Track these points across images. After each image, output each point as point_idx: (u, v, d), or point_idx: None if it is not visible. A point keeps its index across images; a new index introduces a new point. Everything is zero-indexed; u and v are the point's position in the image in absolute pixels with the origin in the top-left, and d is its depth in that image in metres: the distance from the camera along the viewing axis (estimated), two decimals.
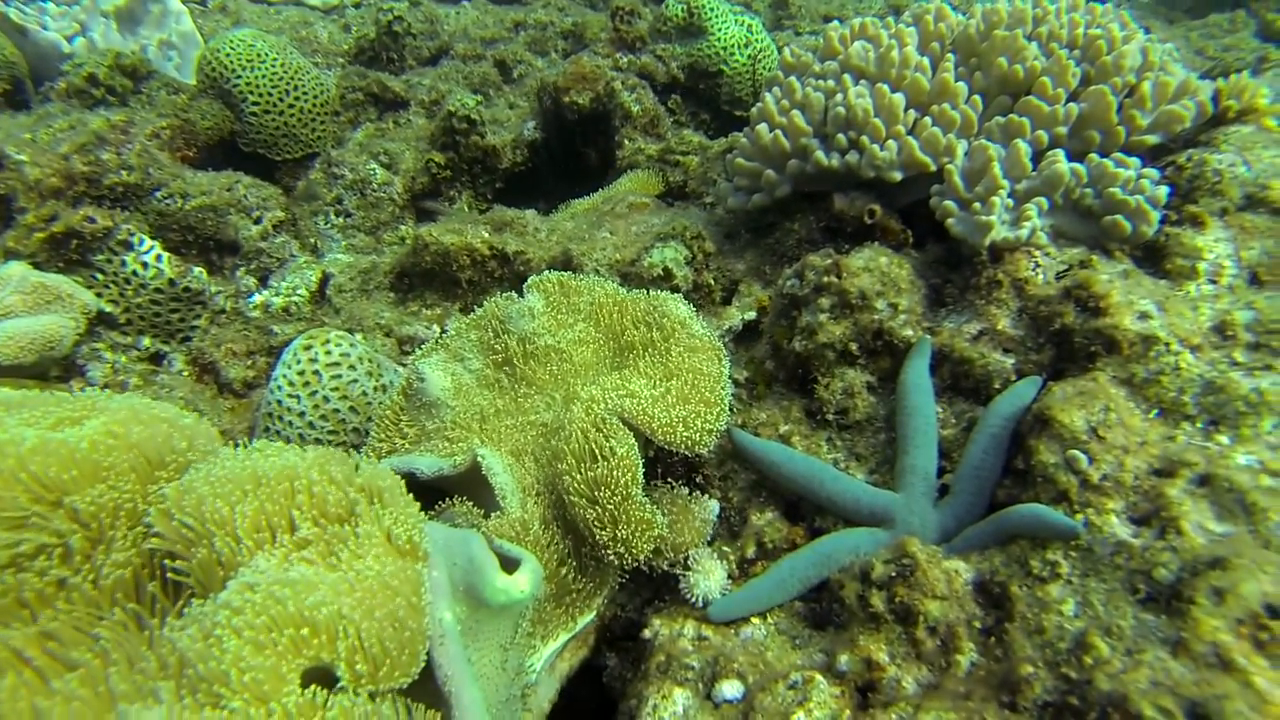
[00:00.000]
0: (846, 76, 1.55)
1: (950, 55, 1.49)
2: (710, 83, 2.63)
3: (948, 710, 0.87)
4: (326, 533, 0.85)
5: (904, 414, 1.26)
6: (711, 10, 2.57)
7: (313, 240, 2.07)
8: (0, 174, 1.64)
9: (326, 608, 0.72)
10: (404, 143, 2.34)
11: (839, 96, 1.51)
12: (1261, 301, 1.21)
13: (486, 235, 1.83)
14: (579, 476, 1.14)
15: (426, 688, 0.80)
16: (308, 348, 1.50)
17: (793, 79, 1.65)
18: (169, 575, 0.86)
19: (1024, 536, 1.04)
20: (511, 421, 1.31)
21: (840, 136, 1.49)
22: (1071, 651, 0.90)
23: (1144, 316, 1.15)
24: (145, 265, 1.75)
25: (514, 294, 1.39)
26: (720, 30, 2.59)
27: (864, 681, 0.97)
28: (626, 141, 2.32)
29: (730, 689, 0.99)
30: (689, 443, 1.20)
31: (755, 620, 1.16)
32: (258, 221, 1.96)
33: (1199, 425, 1.09)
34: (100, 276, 1.72)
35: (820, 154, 1.52)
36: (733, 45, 2.58)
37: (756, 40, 2.60)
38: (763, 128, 1.62)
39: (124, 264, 1.73)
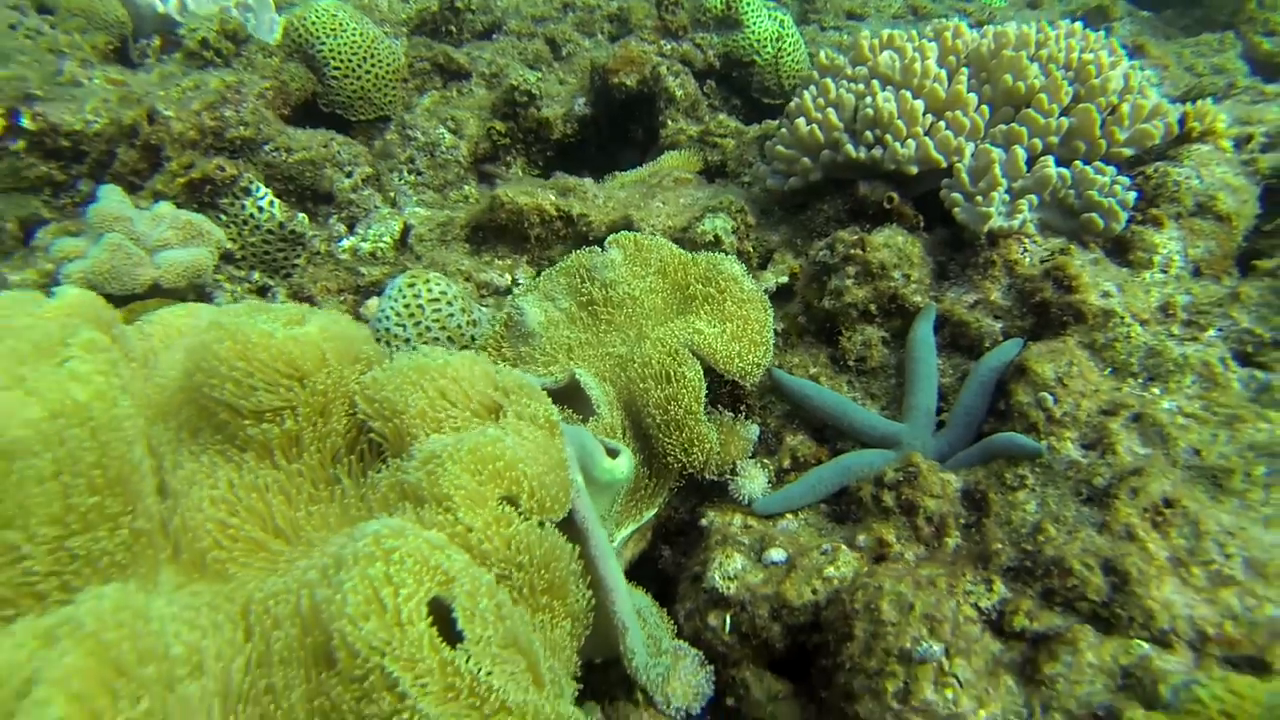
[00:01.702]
0: (875, 82, 1.84)
1: (964, 69, 1.78)
2: (743, 71, 2.90)
3: (938, 569, 1.18)
4: (489, 405, 1.15)
5: (911, 363, 1.57)
6: (748, 4, 2.84)
7: (392, 194, 2.35)
8: (152, 127, 1.90)
9: (512, 453, 1.02)
10: (467, 110, 2.61)
11: (868, 99, 1.80)
12: (1198, 289, 1.53)
13: (553, 198, 2.11)
14: (655, 394, 1.44)
15: (566, 531, 1.10)
16: (411, 285, 1.79)
17: (828, 80, 1.93)
18: (371, 440, 1.16)
19: (1002, 457, 1.36)
20: (593, 352, 1.61)
21: (867, 133, 1.79)
22: (1029, 535, 1.22)
23: (1106, 295, 1.47)
24: (260, 209, 2.02)
25: (598, 248, 1.68)
26: (755, 23, 2.85)
27: (876, 554, 1.28)
28: (669, 122, 2.60)
29: (776, 554, 1.31)
30: (742, 372, 1.51)
31: (789, 516, 1.47)
32: (349, 175, 2.23)
33: (1140, 381, 1.41)
34: (224, 217, 1.98)
35: (850, 147, 1.81)
36: (765, 38, 2.85)
37: (787, 35, 2.87)
38: (801, 121, 1.91)
39: (243, 207, 2.00)
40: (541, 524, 1.03)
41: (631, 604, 1.11)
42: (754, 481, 1.52)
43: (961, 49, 1.84)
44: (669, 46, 2.77)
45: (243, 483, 1.11)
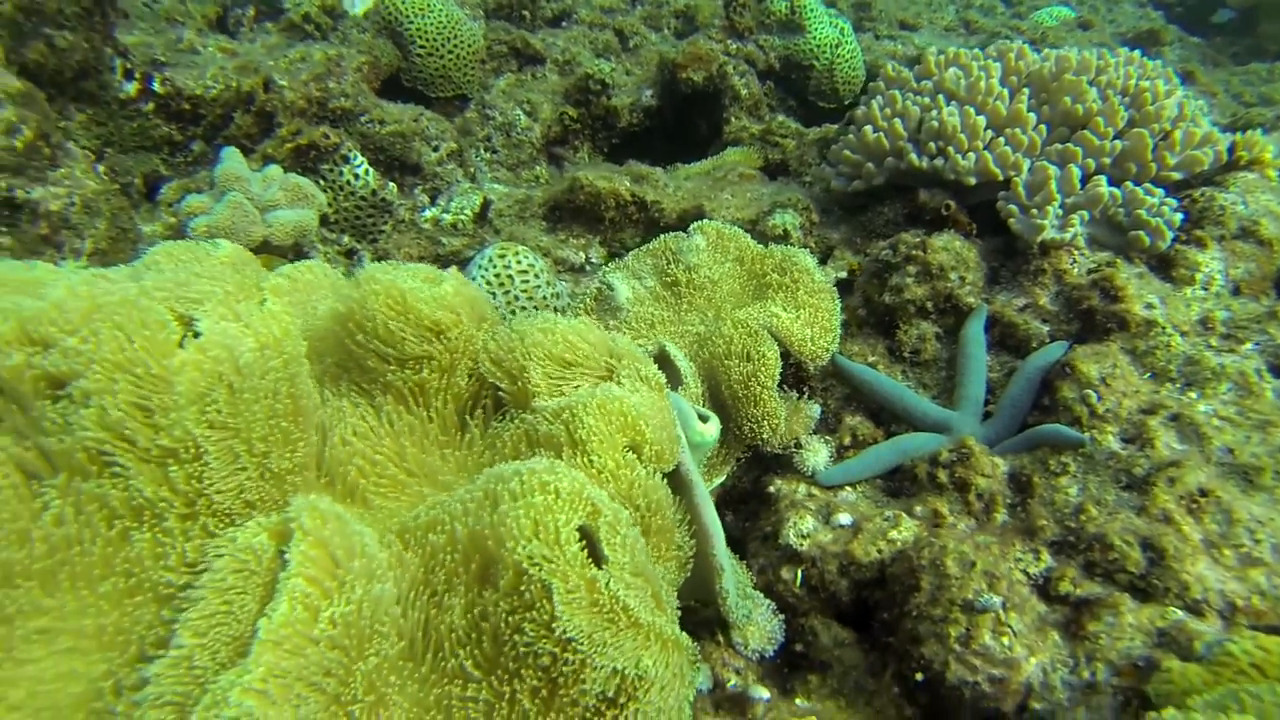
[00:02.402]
0: (940, 96, 1.98)
1: (1025, 89, 1.92)
2: (801, 75, 3.03)
3: (991, 538, 1.33)
4: (603, 369, 1.29)
5: (963, 358, 1.71)
6: (811, 11, 2.97)
7: (472, 170, 2.49)
8: (268, 95, 2.04)
9: (635, 408, 1.16)
10: (541, 95, 2.74)
11: (934, 112, 1.93)
12: (1236, 305, 1.67)
13: (628, 184, 2.26)
14: (736, 371, 1.59)
15: (672, 482, 1.25)
16: (502, 256, 1.93)
17: (895, 92, 2.07)
18: (494, 395, 1.31)
19: (1047, 446, 1.51)
20: (674, 329, 1.76)
21: (931, 144, 1.92)
22: (1072, 514, 1.37)
23: (1149, 306, 1.61)
24: (356, 177, 2.16)
25: (683, 233, 1.82)
26: (816, 29, 2.98)
27: (932, 524, 1.43)
28: (733, 119, 2.74)
29: (844, 518, 1.46)
30: (813, 355, 1.66)
31: (848, 488, 1.62)
32: (435, 149, 2.37)
33: (1178, 385, 1.56)
34: (322, 182, 2.13)
35: (914, 156, 1.95)
36: (825, 44, 2.98)
37: (845, 42, 3.00)
38: (868, 129, 2.05)
39: (341, 174, 2.14)
40: (655, 473, 1.18)
41: (727, 550, 1.26)
42: (817, 455, 1.66)
43: (1023, 69, 1.97)
44: (734, 46, 2.90)
45: (380, 423, 1.26)
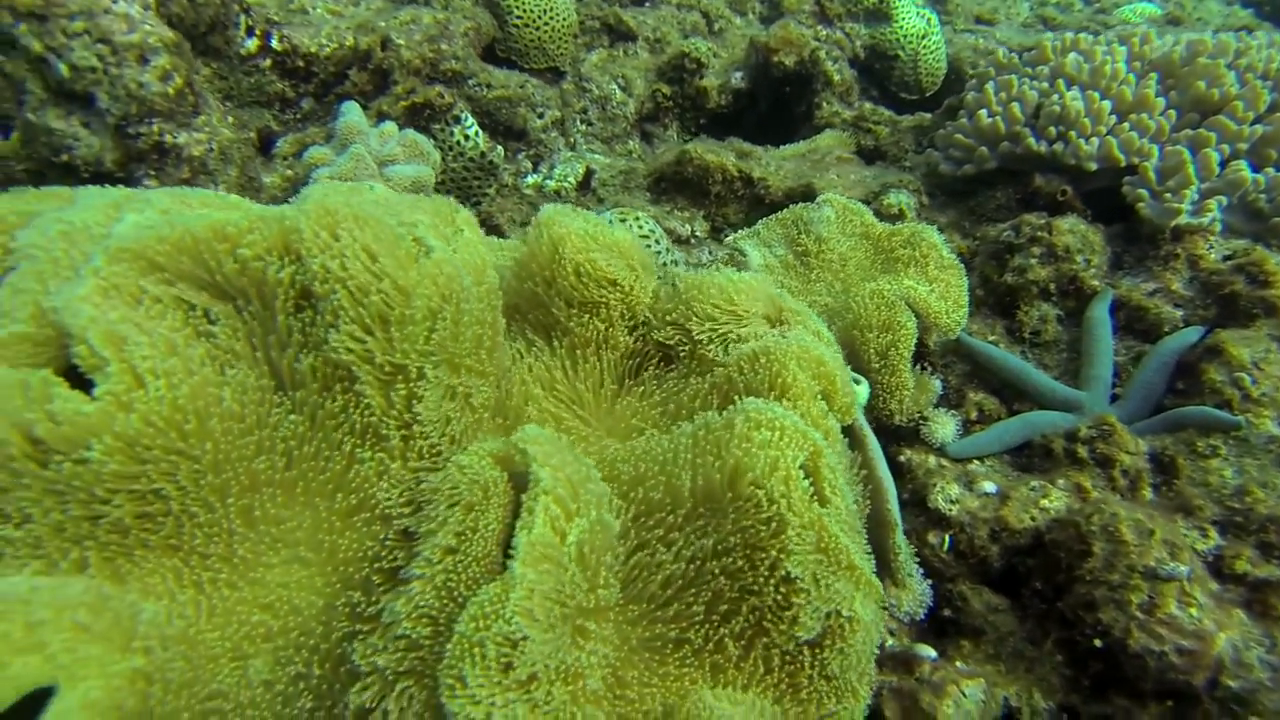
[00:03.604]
0: (1060, 81, 1.97)
1: (1153, 74, 1.91)
2: (885, 65, 3.03)
3: (1151, 511, 1.33)
4: (773, 322, 1.29)
5: (1089, 339, 1.71)
6: (900, 0, 2.97)
7: (573, 140, 2.48)
8: (385, 53, 2.04)
9: (827, 357, 1.16)
10: (634, 71, 2.74)
11: (1055, 97, 1.93)
12: None
13: (734, 159, 2.25)
14: (875, 341, 1.59)
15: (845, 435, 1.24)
16: (623, 219, 1.93)
17: (1012, 77, 2.07)
18: (660, 344, 1.30)
19: (1192, 427, 1.50)
20: (804, 299, 1.75)
21: (1051, 129, 1.92)
22: (1234, 496, 1.37)
23: None
24: (467, 138, 2.16)
25: (812, 204, 1.82)
26: (903, 19, 2.98)
27: (1077, 498, 1.43)
28: (824, 104, 2.73)
29: (988, 486, 1.45)
30: (946, 328, 1.65)
31: (976, 462, 1.61)
32: (540, 116, 2.36)
33: None
34: (433, 142, 2.12)
35: (1031, 140, 1.94)
36: (912, 35, 2.98)
37: (931, 33, 3.00)
38: (982, 113, 2.05)
39: (451, 134, 2.14)
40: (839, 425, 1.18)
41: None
42: (945, 428, 1.66)
43: (1149, 54, 1.97)
44: (824, 32, 2.90)
45: (557, 369, 1.25)
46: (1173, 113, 1.85)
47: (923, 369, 1.77)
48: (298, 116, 2.16)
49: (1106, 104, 1.87)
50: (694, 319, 1.26)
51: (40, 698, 0.72)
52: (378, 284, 0.87)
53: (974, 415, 1.70)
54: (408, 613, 0.81)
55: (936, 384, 1.74)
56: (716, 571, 0.98)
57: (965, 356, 1.78)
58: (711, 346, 1.25)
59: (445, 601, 0.81)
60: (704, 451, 1.00)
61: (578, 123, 2.60)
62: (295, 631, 0.88)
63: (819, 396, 1.13)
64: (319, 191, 0.92)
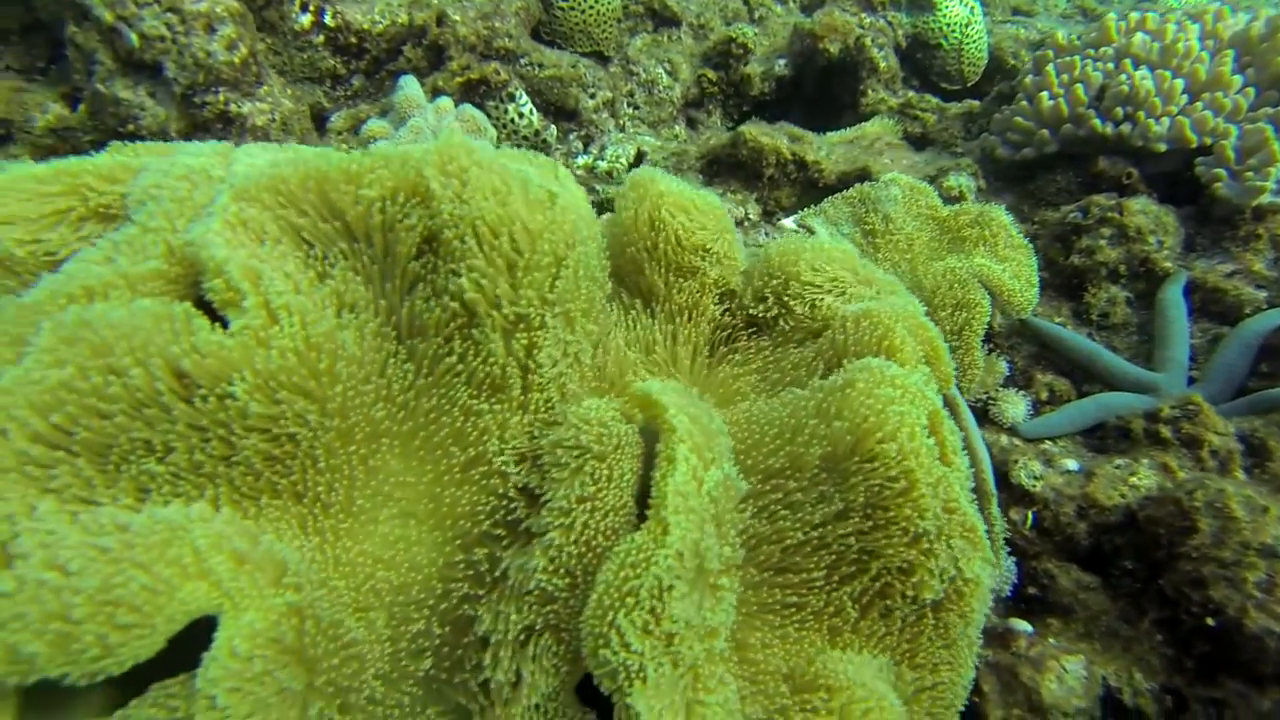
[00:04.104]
0: (1127, 61, 1.95)
1: (1229, 52, 1.89)
2: (927, 54, 3.01)
3: (1254, 489, 1.31)
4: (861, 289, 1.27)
5: (1163, 321, 1.69)
6: None
7: (622, 121, 2.47)
8: (441, 28, 2.02)
9: (929, 323, 1.14)
10: (679, 56, 2.72)
11: (1123, 77, 1.91)
12: None
13: (787, 142, 2.23)
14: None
15: None
16: None
17: (1075, 58, 2.05)
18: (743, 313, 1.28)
19: None
20: None
21: (1118, 110, 1.90)
22: None
23: None
24: (521, 115, 2.14)
25: (881, 183, 1.80)
26: (947, 8, 2.96)
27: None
28: (869, 92, 2.72)
29: (1070, 463, 1.43)
30: (1020, 305, 1.63)
31: (1049, 442, 1.59)
32: (592, 97, 2.35)
33: None
34: (487, 119, 2.10)
35: (1097, 121, 1.92)
36: (955, 23, 2.96)
37: (975, 22, 2.98)
38: (1044, 95, 2.03)
39: (505, 112, 2.12)
40: (937, 392, 1.15)
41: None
42: (1016, 407, 1.64)
43: (1223, 31, 1.95)
44: (868, 20, 2.88)
45: (654, 332, 1.23)
46: (1250, 90, 1.83)
47: (989, 350, 1.75)
48: (348, 94, 2.14)
49: (1179, 83, 1.85)
50: (791, 286, 1.24)
51: (187, 643, 0.70)
52: (508, 226, 0.85)
53: (1044, 396, 1.68)
54: (543, 565, 0.78)
55: (1003, 365, 1.72)
56: (839, 534, 0.95)
57: (1032, 338, 1.76)
58: (807, 314, 1.23)
59: (583, 552, 0.78)
60: (826, 413, 0.98)
61: (624, 106, 2.58)
62: (415, 588, 0.85)
63: (922, 361, 1.11)
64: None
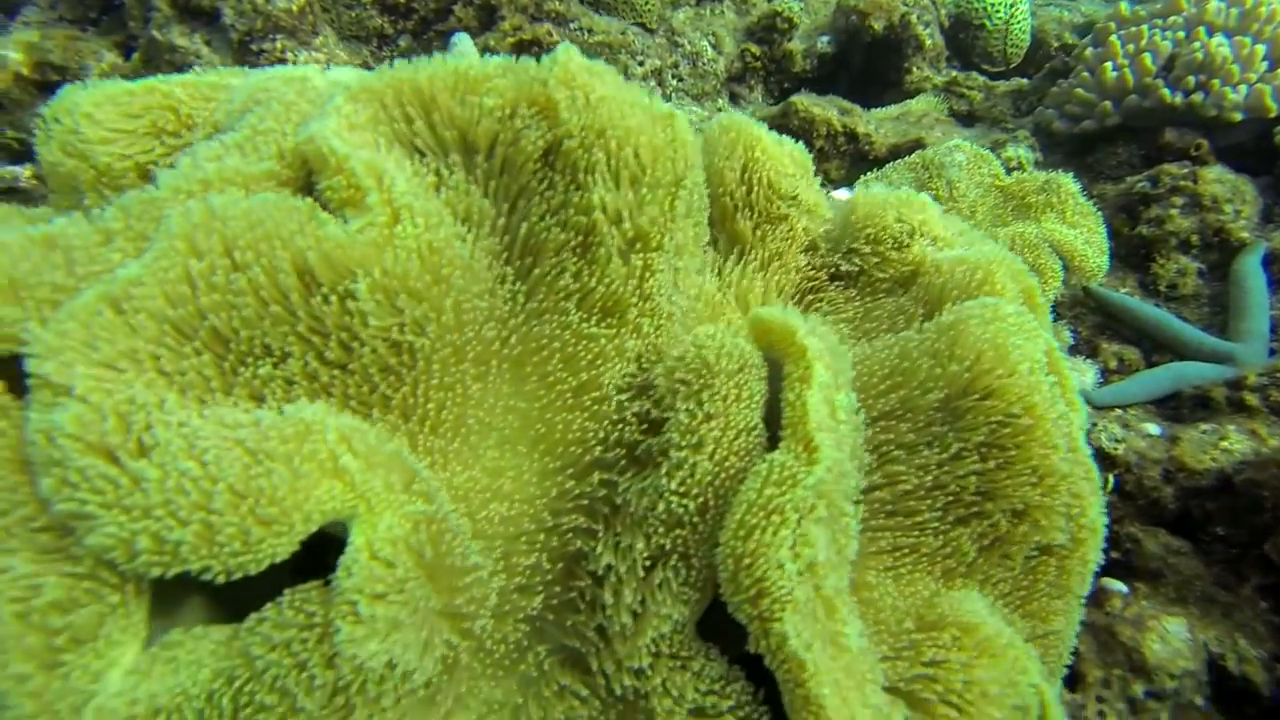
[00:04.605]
0: (1200, 29, 1.92)
1: None
2: (969, 34, 2.97)
3: None
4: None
5: (1241, 292, 1.65)
6: None
7: (669, 92, 2.43)
8: None
9: (1025, 269, 1.10)
10: (724, 29, 2.69)
11: (1196, 44, 1.88)
12: None
13: (837, 114, 2.20)
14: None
15: None
16: None
17: (1142, 28, 2.02)
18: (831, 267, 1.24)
19: None
20: None
21: (1189, 78, 1.86)
22: None
23: None
24: None
25: (946, 149, 1.76)
26: None
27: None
28: (914, 69, 2.68)
29: (1152, 428, 1.39)
30: (1092, 270, 1.60)
31: (1119, 410, 1.55)
32: (640, 65, 2.31)
33: None
34: None
35: (1166, 91, 1.89)
36: (1000, 3, 2.92)
37: (1020, 2, 2.95)
38: (1107, 65, 1.99)
39: None
40: None
41: None
42: (1085, 375, 1.60)
43: None
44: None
45: (744, 279, 1.19)
46: None
47: (1052, 320, 1.72)
48: (394, 53, 2.10)
49: (1260, 48, 1.81)
50: (880, 236, 1.20)
51: (317, 551, 0.66)
52: (634, 140, 0.81)
53: (1113, 365, 1.64)
54: (671, 486, 0.74)
55: (1067, 333, 1.68)
56: (956, 475, 0.92)
57: (1097, 308, 1.73)
58: (898, 263, 1.19)
59: (715, 471, 0.75)
60: (938, 353, 0.94)
61: (669, 78, 2.54)
62: (525, 520, 0.82)
63: (1013, 290, 1.07)
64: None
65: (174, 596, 0.70)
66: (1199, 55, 1.84)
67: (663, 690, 0.73)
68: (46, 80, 1.60)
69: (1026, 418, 0.88)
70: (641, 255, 0.86)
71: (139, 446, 0.57)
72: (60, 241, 0.65)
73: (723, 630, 0.77)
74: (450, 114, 0.80)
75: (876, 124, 2.29)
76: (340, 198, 0.71)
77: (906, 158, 1.80)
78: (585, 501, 0.82)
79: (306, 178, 0.76)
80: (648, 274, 0.87)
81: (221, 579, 0.58)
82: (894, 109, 2.56)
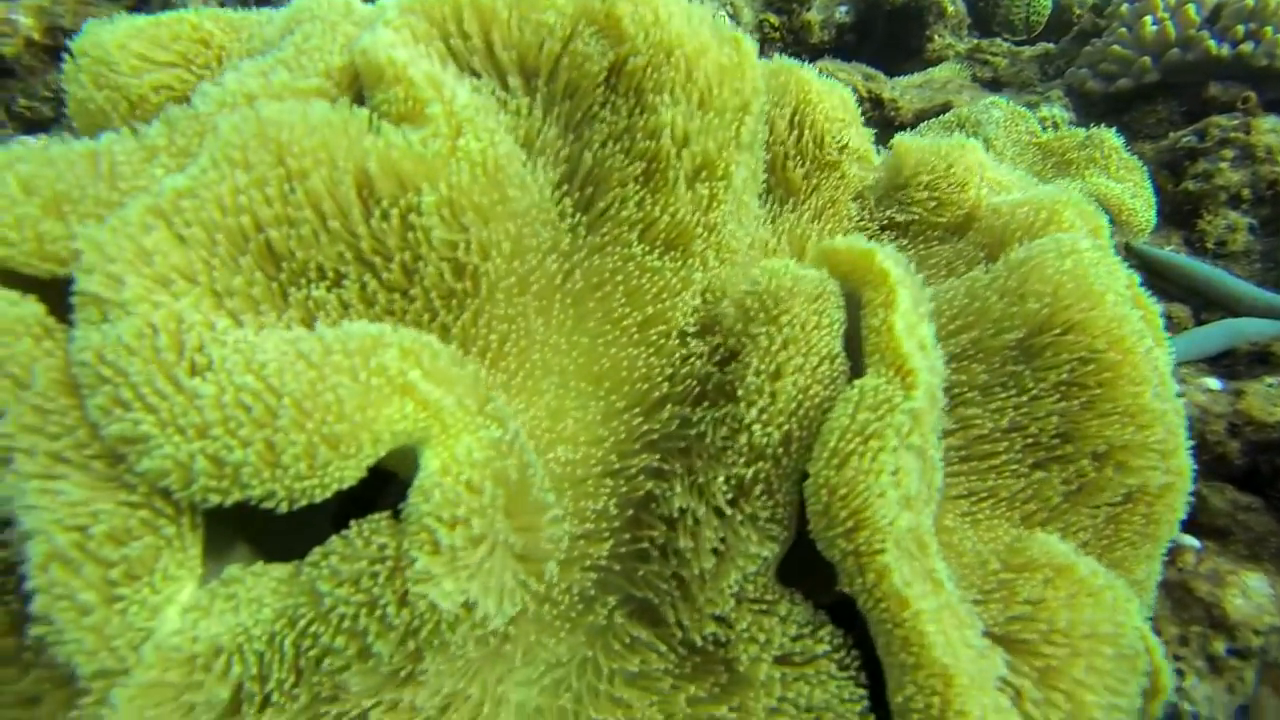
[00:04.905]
0: None
1: None
2: (990, 3, 2.92)
3: None
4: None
5: None
6: None
7: None
8: None
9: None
10: (741, 0, 2.63)
11: None
12: None
13: (862, 79, 2.15)
14: None
15: None
16: None
17: None
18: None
19: None
20: None
21: (1238, 27, 1.81)
22: None
23: None
24: None
25: (981, 106, 1.71)
26: None
27: None
28: (936, 37, 2.63)
29: (1212, 382, 1.35)
30: (1141, 225, 1.55)
31: None
32: None
33: None
34: None
35: (1212, 43, 1.84)
36: None
37: None
38: (1146, 19, 1.94)
39: None
40: None
41: None
42: None
43: None
44: None
45: (795, 226, 1.14)
46: None
47: None
48: None
49: None
50: (933, 182, 1.16)
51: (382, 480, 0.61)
52: (701, 59, 0.76)
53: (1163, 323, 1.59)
54: (751, 416, 0.70)
55: None
56: (1035, 416, 0.87)
57: (1141, 266, 1.67)
58: (954, 207, 1.14)
59: (799, 398, 0.70)
60: (1011, 291, 0.89)
61: None
62: (592, 462, 0.77)
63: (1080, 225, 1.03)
64: None
65: (219, 547, 0.66)
66: (1249, 2, 1.79)
67: (748, 637, 0.68)
68: (58, 45, 1.55)
69: (1113, 352, 0.83)
70: (707, 184, 0.81)
71: (193, 365, 0.53)
72: (105, 156, 0.60)
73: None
74: (509, 33, 0.75)
75: (901, 90, 2.24)
76: (398, 110, 0.66)
77: (940, 117, 1.75)
78: (655, 439, 0.77)
79: (356, 97, 0.71)
80: (713, 204, 0.82)
81: (284, 507, 0.53)
82: (917, 77, 2.51)
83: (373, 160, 0.61)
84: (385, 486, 0.71)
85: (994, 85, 2.50)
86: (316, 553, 0.56)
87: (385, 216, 0.63)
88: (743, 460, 0.70)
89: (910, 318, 0.72)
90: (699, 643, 0.71)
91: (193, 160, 0.60)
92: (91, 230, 0.53)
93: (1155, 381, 0.83)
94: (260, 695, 0.59)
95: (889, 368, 0.68)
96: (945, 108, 2.09)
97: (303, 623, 0.56)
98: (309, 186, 0.60)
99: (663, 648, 0.73)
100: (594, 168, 0.79)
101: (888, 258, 0.76)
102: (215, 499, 0.52)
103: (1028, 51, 2.51)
